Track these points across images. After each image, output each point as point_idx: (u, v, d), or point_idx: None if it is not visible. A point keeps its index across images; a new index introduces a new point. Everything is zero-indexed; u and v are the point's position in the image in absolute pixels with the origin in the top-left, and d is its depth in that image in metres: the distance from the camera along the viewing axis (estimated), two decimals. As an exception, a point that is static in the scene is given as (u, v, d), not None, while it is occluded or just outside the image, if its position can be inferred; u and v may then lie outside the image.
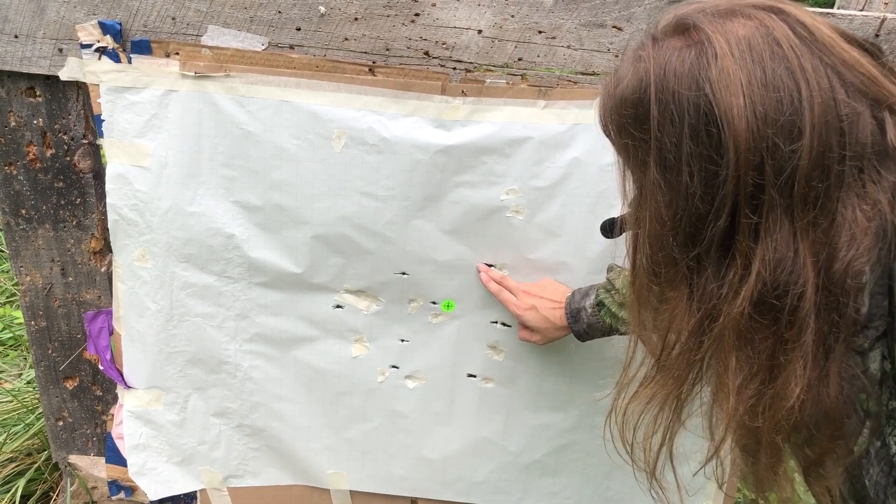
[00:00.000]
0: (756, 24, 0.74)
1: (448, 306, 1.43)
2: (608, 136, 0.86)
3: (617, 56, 1.24)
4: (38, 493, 1.80)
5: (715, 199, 0.74)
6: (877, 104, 0.73)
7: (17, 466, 1.81)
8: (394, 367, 1.49)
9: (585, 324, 1.29)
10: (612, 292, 1.25)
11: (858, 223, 0.72)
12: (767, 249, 0.73)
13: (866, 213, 0.72)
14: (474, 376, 1.49)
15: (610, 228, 1.08)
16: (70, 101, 1.34)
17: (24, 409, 1.94)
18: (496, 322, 1.44)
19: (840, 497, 0.89)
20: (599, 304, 1.27)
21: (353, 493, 1.61)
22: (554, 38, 1.24)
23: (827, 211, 0.72)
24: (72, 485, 1.67)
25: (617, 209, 1.29)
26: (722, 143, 0.72)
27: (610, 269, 1.29)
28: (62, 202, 1.41)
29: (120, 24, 1.26)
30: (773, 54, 0.72)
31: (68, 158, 1.38)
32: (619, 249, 0.97)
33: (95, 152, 1.40)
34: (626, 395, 0.92)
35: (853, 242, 0.72)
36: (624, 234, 0.92)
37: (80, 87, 1.33)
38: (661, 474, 0.94)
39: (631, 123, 0.79)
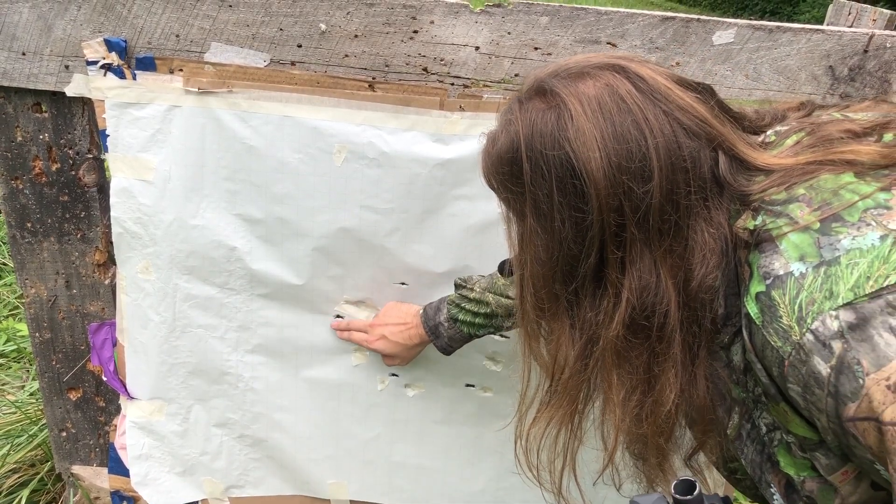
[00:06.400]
0: (603, 84, 0.83)
1: (447, 317, 1.45)
2: (492, 188, 0.95)
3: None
4: (41, 503, 1.81)
5: (585, 239, 0.84)
6: (710, 142, 0.83)
7: (20, 477, 1.82)
8: (393, 375, 1.51)
9: (446, 338, 1.36)
10: (464, 304, 1.32)
11: (707, 244, 0.83)
12: (633, 278, 0.83)
13: (713, 235, 0.83)
14: (472, 385, 1.51)
15: (501, 269, 1.21)
16: (76, 116, 1.36)
17: (28, 421, 1.96)
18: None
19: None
20: (453, 319, 1.33)
21: (353, 502, 1.62)
22: (549, 54, 1.26)
23: (680, 238, 0.83)
24: (75, 495, 1.68)
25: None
26: (585, 192, 0.82)
27: (459, 285, 1.35)
28: (67, 215, 1.44)
29: (125, 41, 1.29)
30: (619, 109, 0.81)
31: (73, 172, 1.40)
32: None
33: (100, 166, 1.42)
34: (527, 421, 1.03)
35: (704, 261, 0.83)
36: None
37: (85, 103, 1.35)
38: (567, 492, 1.05)
39: (508, 179, 0.88)
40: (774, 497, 0.91)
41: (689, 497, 0.87)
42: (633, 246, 0.83)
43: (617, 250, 0.83)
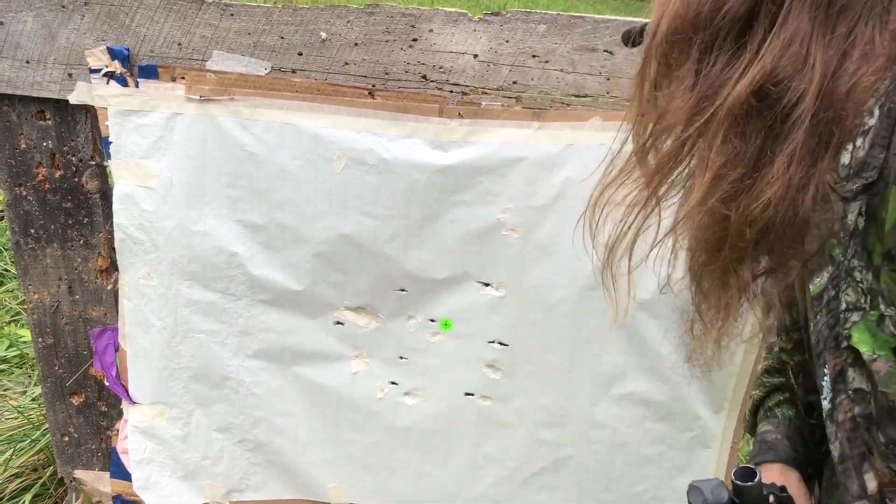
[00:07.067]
0: None
1: (446, 325, 1.46)
2: None
3: (609, 79, 1.28)
4: (43, 508, 1.82)
5: None
6: None
7: (22, 482, 1.83)
8: (393, 383, 1.52)
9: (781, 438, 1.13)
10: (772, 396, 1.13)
11: (875, 45, 0.73)
12: (780, 40, 0.74)
13: (883, 41, 0.73)
14: (472, 394, 1.51)
15: (626, 38, 1.02)
16: (79, 123, 1.38)
17: (30, 426, 1.97)
18: (493, 342, 1.47)
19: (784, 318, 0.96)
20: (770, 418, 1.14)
21: (353, 507, 1.63)
22: (547, 62, 1.28)
23: (848, 19, 0.73)
24: (77, 499, 1.69)
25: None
26: None
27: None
28: (70, 222, 1.45)
29: (128, 49, 1.30)
30: None
31: (76, 179, 1.42)
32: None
33: (103, 173, 1.43)
34: (604, 185, 0.92)
35: (864, 60, 0.73)
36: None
37: (88, 111, 1.37)
38: (616, 267, 0.93)
39: None
40: (823, 381, 0.86)
41: (749, 483, 0.85)
42: (795, 4, 0.74)
43: (773, 2, 0.74)
